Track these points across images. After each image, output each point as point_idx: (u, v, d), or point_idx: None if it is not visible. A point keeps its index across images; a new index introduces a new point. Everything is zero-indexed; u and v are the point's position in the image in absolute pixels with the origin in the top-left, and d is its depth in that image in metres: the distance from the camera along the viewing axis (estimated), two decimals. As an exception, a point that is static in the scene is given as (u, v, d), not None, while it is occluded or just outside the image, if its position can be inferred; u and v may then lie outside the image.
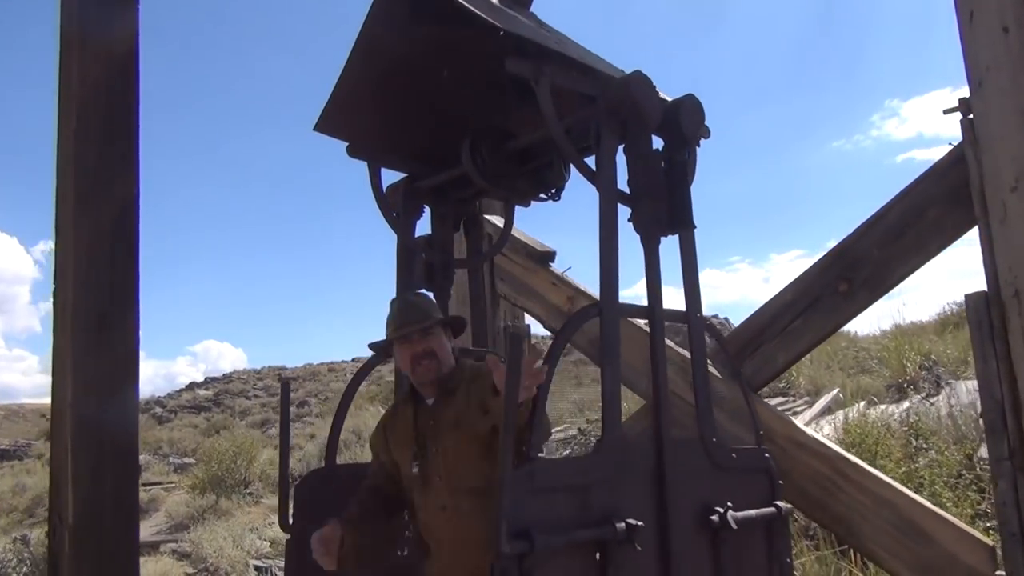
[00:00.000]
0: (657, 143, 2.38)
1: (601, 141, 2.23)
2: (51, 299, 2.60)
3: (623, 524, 1.95)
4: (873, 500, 3.13)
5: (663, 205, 2.30)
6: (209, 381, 34.69)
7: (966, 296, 2.85)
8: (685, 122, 2.37)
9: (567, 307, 4.44)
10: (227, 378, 34.50)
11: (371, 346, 2.52)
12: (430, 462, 2.27)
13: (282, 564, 4.02)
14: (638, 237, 2.33)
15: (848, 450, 5.06)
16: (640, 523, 1.97)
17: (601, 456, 2.03)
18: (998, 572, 2.81)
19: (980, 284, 2.79)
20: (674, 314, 2.37)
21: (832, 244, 3.60)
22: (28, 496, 14.13)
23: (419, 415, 2.36)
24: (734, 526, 2.22)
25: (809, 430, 3.46)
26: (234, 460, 12.27)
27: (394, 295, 2.87)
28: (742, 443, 3.38)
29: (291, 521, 2.40)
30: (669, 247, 2.38)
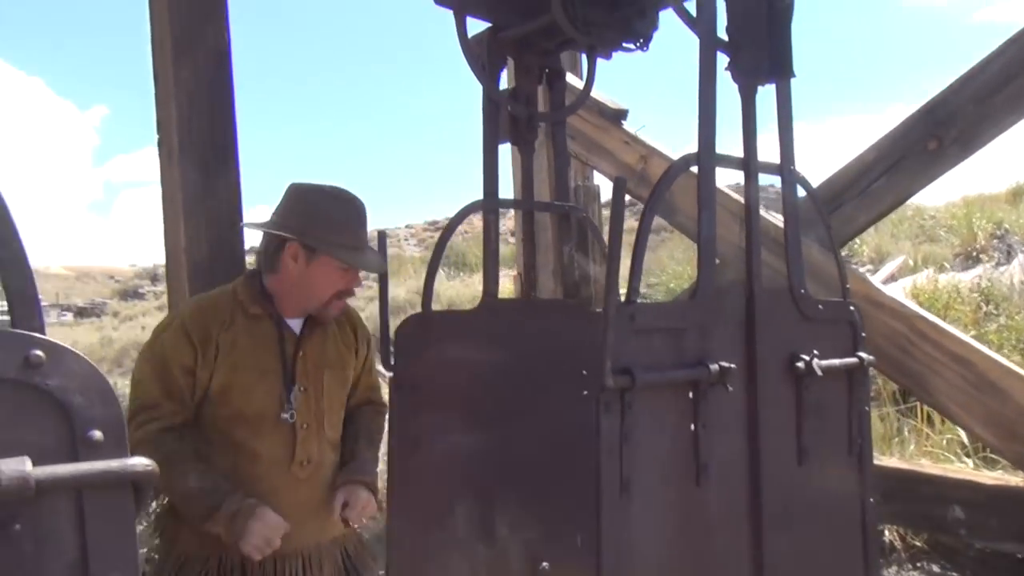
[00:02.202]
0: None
1: (702, -17, 2.16)
2: (155, 147, 2.70)
3: (716, 366, 2.04)
4: (949, 357, 3.18)
5: (764, 52, 2.24)
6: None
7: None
8: (789, -38, 2.27)
9: (639, 167, 4.42)
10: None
11: (277, 227, 2.03)
12: (299, 405, 2.02)
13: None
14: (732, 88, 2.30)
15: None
16: (732, 365, 2.05)
17: (696, 301, 2.10)
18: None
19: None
20: (768, 166, 2.36)
21: (895, 107, 3.48)
22: (115, 348, 15.08)
23: (285, 341, 2.02)
24: (819, 373, 2.30)
25: (888, 289, 3.48)
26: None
27: (480, 152, 2.89)
28: (817, 301, 3.43)
29: (392, 362, 2.55)
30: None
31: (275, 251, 2.03)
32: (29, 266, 1.12)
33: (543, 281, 3.83)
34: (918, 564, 3.49)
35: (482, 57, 2.91)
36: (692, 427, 2.06)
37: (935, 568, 3.46)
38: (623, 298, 1.97)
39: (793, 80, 2.36)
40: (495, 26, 2.91)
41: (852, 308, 2.55)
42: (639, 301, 1.99)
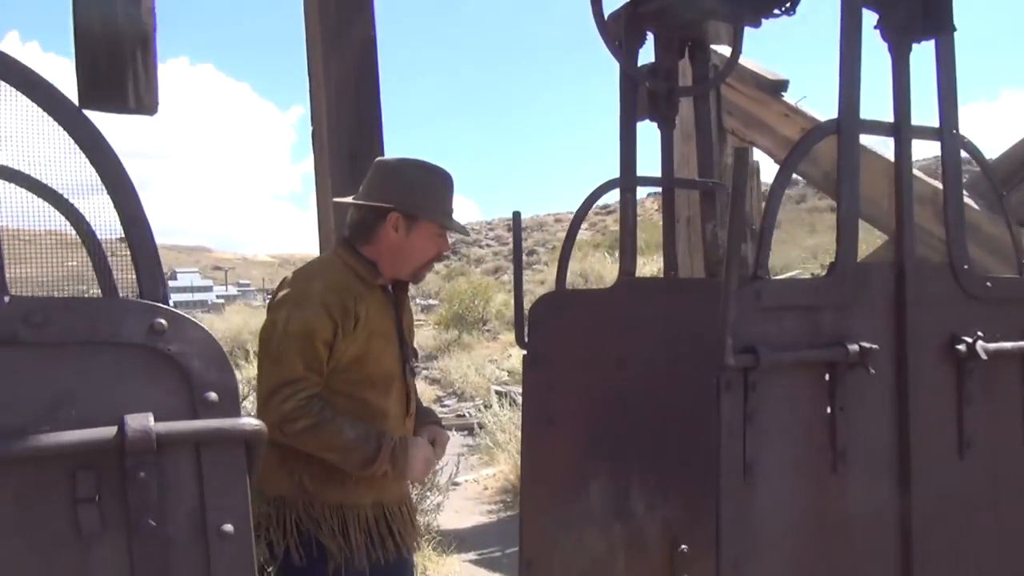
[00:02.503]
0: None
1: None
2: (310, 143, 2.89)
3: (856, 346, 1.90)
4: None
5: (918, 5, 2.05)
6: (446, 231, 36.98)
7: None
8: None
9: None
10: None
11: (396, 201, 2.12)
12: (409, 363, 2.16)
13: (518, 390, 4.33)
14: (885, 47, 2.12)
15: None
16: (874, 346, 1.91)
17: (834, 278, 1.96)
18: None
19: None
20: (926, 131, 2.16)
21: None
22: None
23: (394, 307, 2.16)
24: (983, 356, 2.08)
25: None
26: (472, 300, 13.28)
27: (617, 130, 2.85)
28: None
29: (526, 340, 2.59)
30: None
31: (373, 222, 2.11)
32: (154, 242, 1.25)
33: (690, 261, 3.73)
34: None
35: (620, 33, 2.87)
36: (828, 411, 1.94)
37: None
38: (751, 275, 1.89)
39: (957, 37, 2.15)
40: (633, 1, 2.86)
41: (1030, 286, 2.28)
42: (767, 278, 1.89)
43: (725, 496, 1.81)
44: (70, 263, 1.61)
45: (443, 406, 9.78)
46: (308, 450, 2.00)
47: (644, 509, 2.80)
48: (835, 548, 1.96)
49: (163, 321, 1.22)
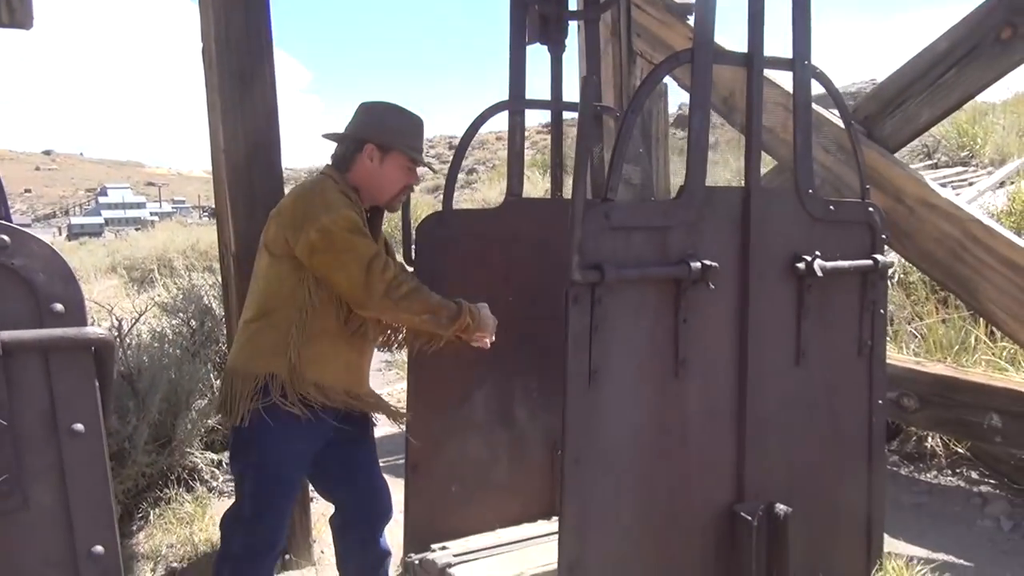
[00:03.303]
0: None
1: None
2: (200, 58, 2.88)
3: (698, 264, 2.07)
4: (999, 261, 3.04)
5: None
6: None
7: None
8: None
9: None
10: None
11: (364, 135, 2.29)
12: None
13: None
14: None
15: (1005, 219, 4.78)
16: (714, 264, 2.07)
17: (682, 200, 2.11)
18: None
19: None
20: (778, 61, 2.29)
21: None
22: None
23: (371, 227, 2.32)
24: (819, 273, 2.28)
25: (944, 192, 3.31)
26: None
27: (507, 53, 2.92)
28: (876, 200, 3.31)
29: (413, 256, 2.70)
30: None
31: (352, 153, 2.32)
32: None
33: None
34: (958, 470, 3.41)
35: (511, -46, 2.90)
36: (673, 323, 2.12)
37: (974, 475, 3.37)
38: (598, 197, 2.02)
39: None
40: (523, -78, 2.88)
41: (871, 209, 2.47)
42: (617, 199, 2.02)
43: (570, 400, 1.98)
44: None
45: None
46: (408, 313, 2.19)
47: (527, 416, 3.00)
48: (676, 447, 2.17)
49: (5, 237, 1.29)
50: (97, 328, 1.36)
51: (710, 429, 2.22)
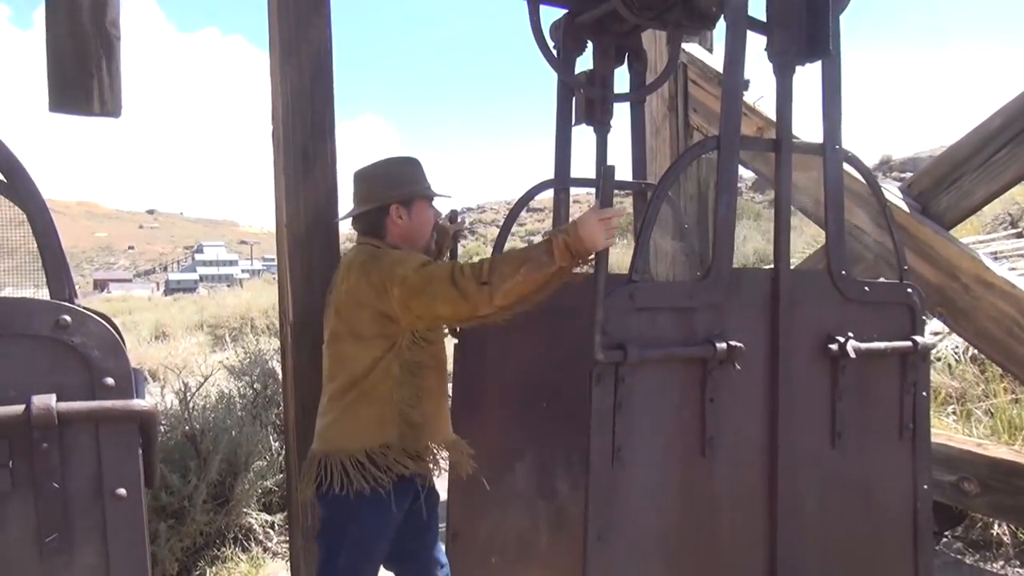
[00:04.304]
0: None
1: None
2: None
3: (724, 344, 2.10)
4: (1059, 344, 2.94)
5: (799, 32, 2.22)
6: (464, 210, 37.16)
7: None
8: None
9: (761, 136, 4.33)
10: (480, 208, 36.79)
11: (394, 195, 2.42)
12: None
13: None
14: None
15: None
16: (739, 344, 2.10)
17: (708, 281, 2.16)
18: None
19: None
20: (807, 146, 2.34)
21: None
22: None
23: None
24: (852, 355, 2.27)
25: (1000, 269, 3.23)
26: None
27: (555, 133, 3.05)
28: (924, 280, 3.27)
29: (458, 329, 2.80)
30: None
31: (379, 220, 2.44)
32: (62, 250, 1.48)
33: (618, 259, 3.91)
34: (1027, 561, 3.25)
35: (559, 42, 3.06)
36: (700, 402, 2.15)
37: (1043, 567, 3.21)
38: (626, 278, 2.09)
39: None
40: (571, 11, 3.04)
41: (910, 290, 2.46)
42: (642, 280, 2.09)
43: (593, 477, 2.03)
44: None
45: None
46: (510, 281, 2.16)
47: (568, 488, 3.03)
48: (704, 527, 2.18)
49: (67, 317, 1.45)
50: (142, 401, 1.50)
51: (740, 510, 2.22)
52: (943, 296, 3.27)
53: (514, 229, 3.35)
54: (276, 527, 3.51)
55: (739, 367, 2.12)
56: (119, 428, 1.49)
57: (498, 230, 3.15)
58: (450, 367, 2.63)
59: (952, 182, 3.41)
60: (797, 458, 2.26)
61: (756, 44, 2.37)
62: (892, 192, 3.58)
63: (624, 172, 3.22)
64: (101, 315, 1.54)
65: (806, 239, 9.97)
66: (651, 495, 2.10)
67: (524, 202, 2.99)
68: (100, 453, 1.47)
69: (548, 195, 3.09)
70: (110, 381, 1.48)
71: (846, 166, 2.37)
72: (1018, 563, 3.31)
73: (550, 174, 3.05)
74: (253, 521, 3.41)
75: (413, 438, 2.28)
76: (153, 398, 3.88)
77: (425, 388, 2.32)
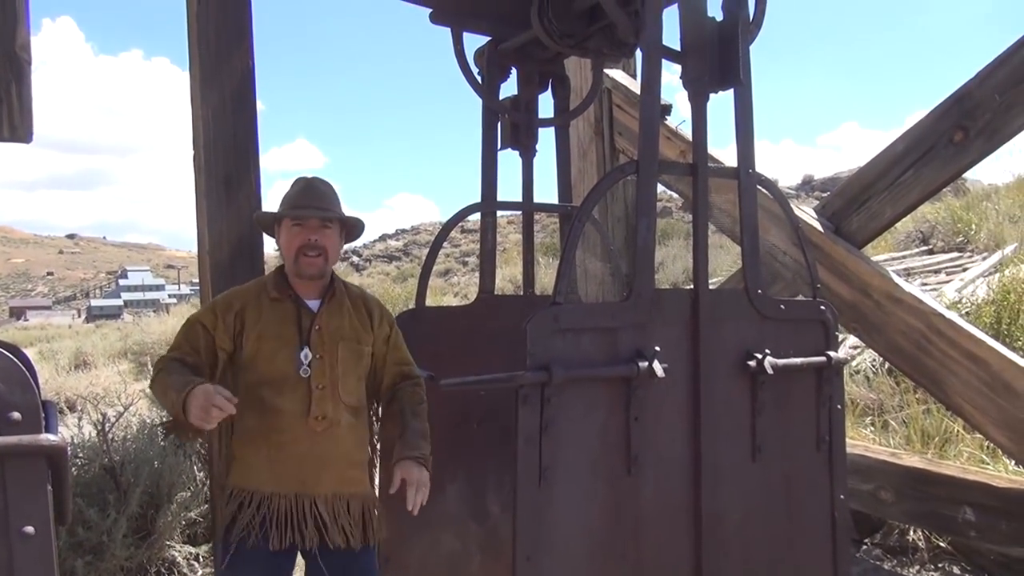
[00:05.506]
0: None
1: (646, -7, 2.25)
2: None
3: (646, 363, 2.15)
4: (963, 355, 3.09)
5: (709, 62, 2.31)
6: (399, 233, 37.12)
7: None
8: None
9: (681, 160, 4.45)
10: (415, 230, 36.73)
11: (257, 217, 2.52)
12: (315, 369, 2.31)
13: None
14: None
15: (987, 308, 4.83)
16: (659, 363, 2.16)
17: (630, 303, 2.21)
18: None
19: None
20: (723, 171, 2.43)
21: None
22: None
23: (302, 317, 2.34)
24: (770, 371, 2.35)
25: (908, 286, 3.39)
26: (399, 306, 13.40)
27: (479, 159, 3.09)
28: (839, 297, 3.41)
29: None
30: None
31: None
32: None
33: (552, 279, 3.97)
34: (940, 565, 3.38)
35: (483, 69, 3.10)
36: (625, 421, 2.19)
37: (955, 570, 3.34)
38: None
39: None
40: (495, 39, 3.09)
41: (823, 308, 2.56)
42: (566, 303, 2.13)
43: (520, 498, 2.04)
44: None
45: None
46: (159, 399, 2.29)
47: (499, 510, 3.04)
48: (630, 544, 2.21)
49: (-31, 351, 1.40)
50: (51, 435, 1.45)
51: (666, 526, 2.26)
52: (857, 312, 3.41)
53: (448, 250, 3.39)
54: (201, 559, 3.41)
55: (662, 385, 2.17)
56: (26, 464, 1.43)
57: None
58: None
59: (862, 203, 3.56)
60: (719, 473, 2.32)
61: (677, 70, 2.46)
62: (808, 213, 3.73)
63: (551, 195, 3.28)
64: (9, 346, 1.49)
65: (733, 257, 10.25)
66: (578, 514, 2.13)
67: (450, 227, 3.01)
68: (6, 490, 1.42)
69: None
70: (16, 416, 1.43)
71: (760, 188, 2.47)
72: (932, 568, 3.45)
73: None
74: (177, 554, 3.31)
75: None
76: (68, 430, 3.74)
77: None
